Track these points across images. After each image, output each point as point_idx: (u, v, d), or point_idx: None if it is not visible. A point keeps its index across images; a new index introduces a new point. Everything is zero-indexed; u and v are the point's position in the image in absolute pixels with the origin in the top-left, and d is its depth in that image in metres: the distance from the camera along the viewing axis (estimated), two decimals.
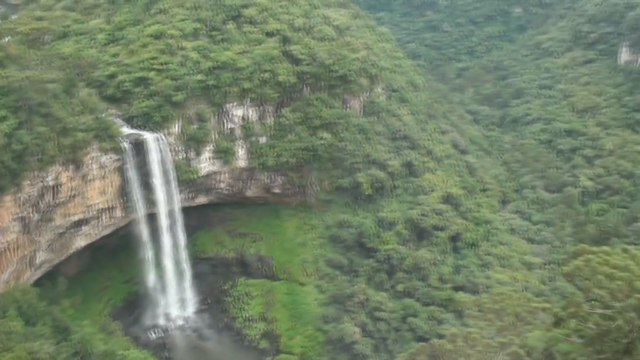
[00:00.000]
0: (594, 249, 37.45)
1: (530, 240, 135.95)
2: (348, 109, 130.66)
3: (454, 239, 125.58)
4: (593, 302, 34.35)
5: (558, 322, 36.41)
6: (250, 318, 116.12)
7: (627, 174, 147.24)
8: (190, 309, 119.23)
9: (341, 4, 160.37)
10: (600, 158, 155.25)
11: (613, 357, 31.12)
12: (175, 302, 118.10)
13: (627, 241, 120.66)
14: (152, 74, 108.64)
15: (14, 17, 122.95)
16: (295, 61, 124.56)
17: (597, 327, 32.16)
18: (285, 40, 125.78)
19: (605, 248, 37.68)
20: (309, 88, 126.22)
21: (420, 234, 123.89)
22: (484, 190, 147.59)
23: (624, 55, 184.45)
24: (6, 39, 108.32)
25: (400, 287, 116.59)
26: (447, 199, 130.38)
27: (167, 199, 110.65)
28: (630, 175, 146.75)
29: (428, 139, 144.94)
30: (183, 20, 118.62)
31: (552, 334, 36.19)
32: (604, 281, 32.78)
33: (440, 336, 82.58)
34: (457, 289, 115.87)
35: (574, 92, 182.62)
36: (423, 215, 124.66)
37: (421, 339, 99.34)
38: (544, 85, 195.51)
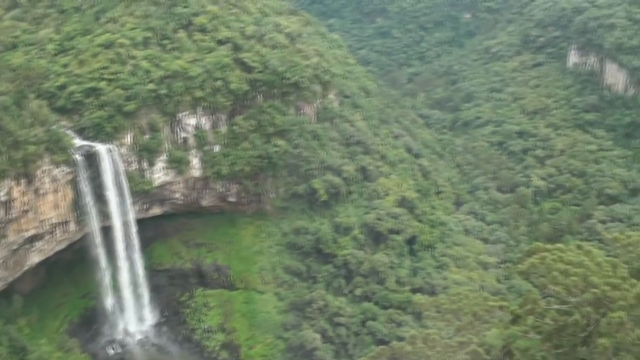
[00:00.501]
0: (549, 246, 38.03)
1: (485, 240, 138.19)
2: (301, 116, 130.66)
3: (410, 241, 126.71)
4: (549, 298, 34.87)
5: (515, 320, 36.84)
6: (209, 329, 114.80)
7: (578, 172, 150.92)
8: (149, 322, 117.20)
9: (292, 11, 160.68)
10: (551, 158, 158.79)
11: (571, 350, 31.64)
12: (133, 316, 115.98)
13: (581, 238, 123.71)
14: (102, 84, 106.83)
15: None
16: (248, 69, 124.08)
17: (555, 323, 32.62)
18: (237, 48, 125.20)
19: (559, 245, 38.32)
20: (261, 95, 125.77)
21: (376, 238, 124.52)
22: (438, 192, 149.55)
23: (573, 58, 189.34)
24: None
25: (358, 292, 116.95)
26: (402, 203, 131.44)
27: (121, 211, 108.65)
28: (581, 173, 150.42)
29: (381, 144, 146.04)
30: (133, 29, 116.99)
31: (510, 331, 36.57)
32: (559, 277, 33.24)
33: (400, 338, 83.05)
34: (414, 291, 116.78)
35: (524, 95, 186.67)
36: (379, 219, 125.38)
37: (381, 342, 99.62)
38: (494, 89, 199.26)
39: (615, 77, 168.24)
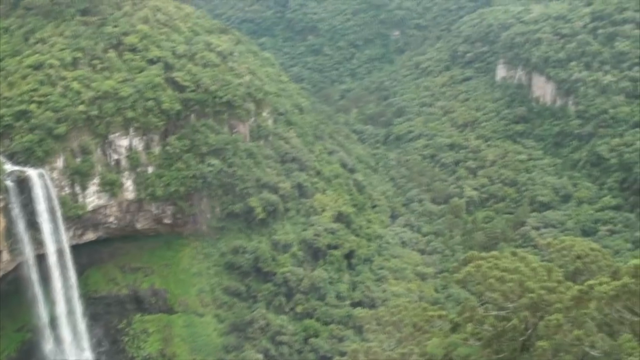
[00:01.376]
0: (484, 254, 38.80)
1: (422, 252, 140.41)
2: (235, 134, 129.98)
3: (349, 256, 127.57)
4: (487, 305, 35.56)
5: (455, 328, 37.42)
6: (148, 356, 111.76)
7: (509, 182, 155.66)
8: (87, 353, 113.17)
9: (223, 30, 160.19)
10: (483, 169, 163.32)
11: (511, 355, 32.31)
12: (71, 347, 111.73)
13: (515, 245, 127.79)
14: (32, 107, 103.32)
15: None
16: (180, 88, 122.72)
17: (494, 329, 33.29)
18: (168, 68, 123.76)
19: (494, 253, 39.18)
20: (194, 115, 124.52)
21: (315, 254, 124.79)
22: (374, 206, 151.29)
23: (501, 72, 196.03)
24: None
25: (299, 309, 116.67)
26: (339, 218, 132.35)
27: (55, 238, 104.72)
28: (513, 182, 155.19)
29: (316, 160, 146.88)
30: (63, 49, 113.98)
31: (450, 339, 37.07)
32: (495, 284, 33.91)
33: (342, 353, 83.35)
34: (355, 305, 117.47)
35: (454, 108, 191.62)
36: (317, 235, 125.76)
37: (324, 358, 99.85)
38: (425, 103, 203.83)
39: (542, 89, 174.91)
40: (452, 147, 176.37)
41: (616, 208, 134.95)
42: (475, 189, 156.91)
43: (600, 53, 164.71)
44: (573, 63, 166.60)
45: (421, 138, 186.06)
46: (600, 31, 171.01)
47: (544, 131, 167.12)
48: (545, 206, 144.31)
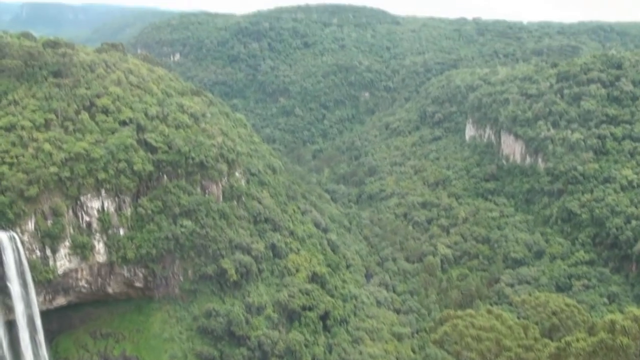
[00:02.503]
0: (460, 313, 38.75)
1: (397, 311, 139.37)
2: (208, 195, 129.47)
3: (324, 317, 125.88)
4: None
5: None
6: None
7: (482, 239, 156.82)
8: None
9: (195, 92, 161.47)
10: (455, 226, 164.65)
11: None
12: None
13: (490, 302, 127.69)
14: (4, 168, 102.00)
15: None
16: (152, 149, 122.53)
17: None
18: (141, 129, 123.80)
19: (470, 311, 39.15)
20: (166, 176, 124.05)
21: (290, 315, 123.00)
22: (348, 266, 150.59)
23: (470, 132, 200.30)
24: None
25: None
26: (313, 278, 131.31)
27: (25, 303, 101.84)
28: (485, 239, 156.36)
29: (290, 220, 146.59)
30: (35, 111, 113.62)
31: None
32: (472, 343, 33.79)
33: None
34: None
35: (425, 167, 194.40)
36: (291, 296, 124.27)
37: None
38: (396, 162, 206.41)
39: (511, 147, 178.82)
40: (424, 205, 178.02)
41: (590, 263, 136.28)
42: (449, 246, 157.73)
43: (566, 112, 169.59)
44: (541, 122, 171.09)
45: (393, 197, 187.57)
46: (566, 91, 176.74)
47: (514, 188, 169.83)
48: (519, 262, 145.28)
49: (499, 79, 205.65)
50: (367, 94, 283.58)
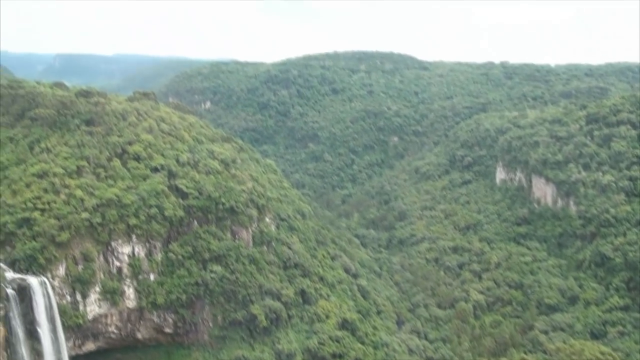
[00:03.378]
0: None
1: (429, 359, 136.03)
2: (238, 240, 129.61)
3: None
4: None
5: None
6: None
7: (515, 284, 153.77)
8: None
9: (225, 138, 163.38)
10: (487, 272, 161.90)
11: None
12: None
13: (525, 350, 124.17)
14: (36, 214, 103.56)
15: None
16: (183, 195, 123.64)
17: None
18: (172, 175, 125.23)
19: None
20: (197, 221, 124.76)
21: None
22: (379, 312, 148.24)
23: (500, 175, 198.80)
24: None
25: None
26: (344, 325, 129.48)
27: (55, 349, 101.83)
28: (519, 285, 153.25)
29: (319, 266, 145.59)
30: (67, 158, 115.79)
31: None
32: None
33: None
34: None
35: (455, 211, 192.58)
36: (321, 343, 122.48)
37: None
38: (426, 207, 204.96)
39: (542, 190, 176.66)
40: (455, 250, 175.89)
41: (624, 309, 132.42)
42: (481, 292, 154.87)
43: (597, 154, 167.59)
44: (571, 164, 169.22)
45: (424, 241, 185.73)
46: (596, 133, 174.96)
47: (546, 232, 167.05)
48: (553, 308, 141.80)
49: (528, 121, 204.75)
50: (396, 139, 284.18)
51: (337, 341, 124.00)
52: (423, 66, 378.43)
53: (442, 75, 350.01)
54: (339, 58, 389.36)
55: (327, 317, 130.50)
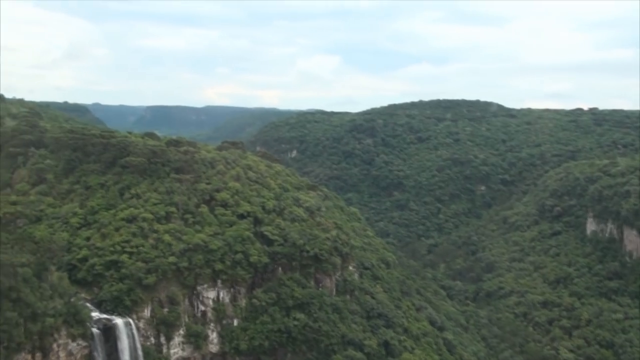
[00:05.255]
0: None
1: None
2: (321, 288, 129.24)
3: None
4: None
5: None
6: None
7: (606, 343, 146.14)
8: None
9: (311, 186, 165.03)
10: (578, 329, 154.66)
11: None
12: None
13: None
14: (124, 257, 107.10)
15: None
16: (268, 242, 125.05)
17: None
18: (257, 222, 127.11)
19: None
20: (281, 268, 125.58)
21: None
22: None
23: (590, 226, 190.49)
24: None
25: None
26: None
27: None
28: (610, 344, 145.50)
29: (403, 317, 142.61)
30: (156, 204, 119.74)
31: None
32: None
33: None
34: None
35: (545, 264, 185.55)
36: None
37: None
38: (515, 258, 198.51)
39: (634, 242, 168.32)
40: (545, 304, 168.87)
41: None
42: (572, 350, 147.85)
43: None
44: None
45: (512, 295, 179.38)
46: None
47: (638, 288, 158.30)
48: None
49: (619, 170, 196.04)
50: (483, 188, 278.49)
51: None
52: (510, 114, 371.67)
53: (529, 123, 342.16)
54: (425, 107, 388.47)
55: None
